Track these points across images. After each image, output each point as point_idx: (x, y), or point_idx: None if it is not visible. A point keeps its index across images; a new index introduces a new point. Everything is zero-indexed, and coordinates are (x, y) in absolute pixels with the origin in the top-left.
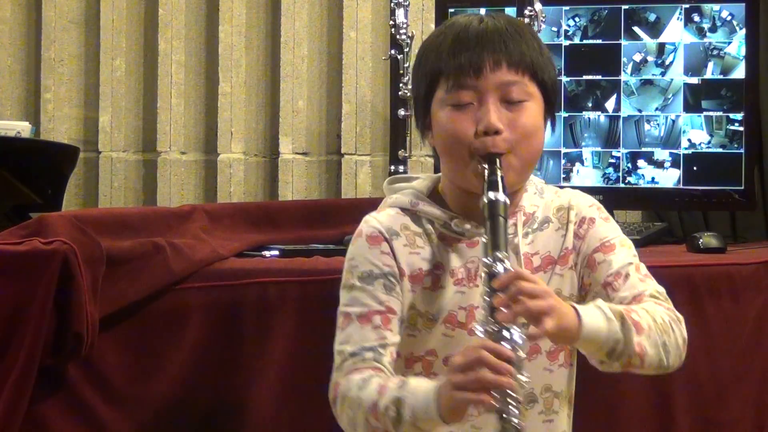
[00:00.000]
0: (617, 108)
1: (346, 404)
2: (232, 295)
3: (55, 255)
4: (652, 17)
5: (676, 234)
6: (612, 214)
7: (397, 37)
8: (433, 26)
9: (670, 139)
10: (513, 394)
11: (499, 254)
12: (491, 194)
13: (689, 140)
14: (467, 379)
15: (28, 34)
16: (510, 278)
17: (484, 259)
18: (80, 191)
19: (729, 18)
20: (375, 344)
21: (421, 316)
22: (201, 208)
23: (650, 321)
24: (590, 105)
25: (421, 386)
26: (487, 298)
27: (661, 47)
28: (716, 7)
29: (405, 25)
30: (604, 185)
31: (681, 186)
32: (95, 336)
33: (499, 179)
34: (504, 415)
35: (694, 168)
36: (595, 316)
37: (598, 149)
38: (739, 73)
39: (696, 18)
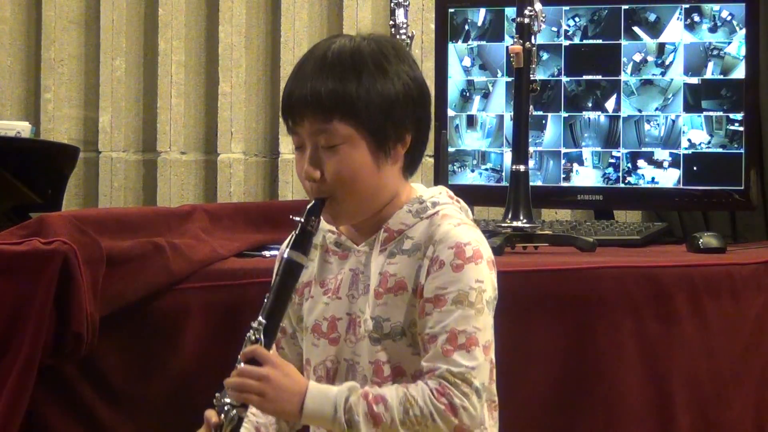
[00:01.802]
0: (617, 108)
1: None
2: (232, 295)
3: (55, 255)
4: (652, 17)
5: (676, 234)
6: (612, 215)
7: (397, 37)
8: (432, 26)
9: (670, 139)
10: None
11: (260, 322)
12: (291, 253)
13: (689, 140)
14: None
15: (28, 34)
16: (249, 353)
17: (252, 323)
18: (80, 191)
19: (729, 18)
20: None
21: (300, 328)
22: (201, 208)
23: (395, 415)
24: (590, 105)
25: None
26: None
27: (661, 47)
28: (716, 7)
29: (405, 25)
30: (604, 185)
31: (681, 186)
32: (95, 336)
33: (306, 235)
34: None
35: (694, 168)
36: (321, 405)
37: (598, 149)
38: (739, 73)
39: (696, 18)
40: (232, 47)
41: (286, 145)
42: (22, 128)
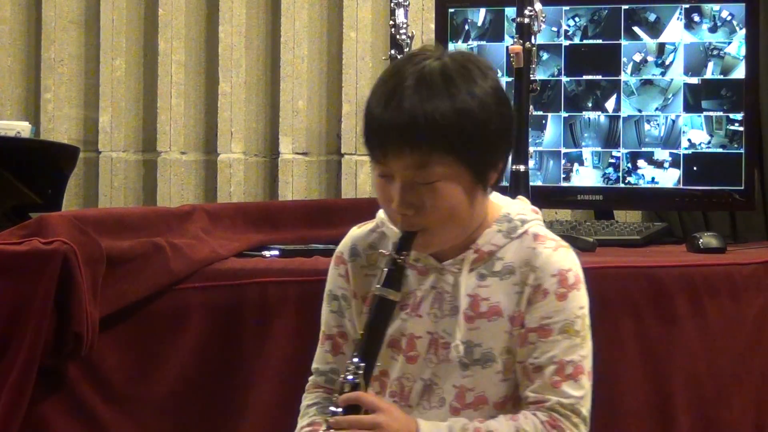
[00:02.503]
0: (617, 108)
1: (300, 416)
2: (232, 295)
3: (55, 255)
4: (652, 17)
5: (676, 234)
6: (612, 215)
7: (397, 37)
8: (432, 26)
9: (670, 139)
10: None
11: (355, 364)
12: (381, 290)
13: (689, 140)
14: None
15: (28, 34)
16: (350, 399)
17: (348, 362)
18: (80, 191)
19: (729, 18)
20: (326, 369)
21: None
22: (201, 208)
23: None
24: (590, 105)
25: None
26: (330, 413)
27: (661, 47)
28: (716, 7)
29: (405, 25)
30: (604, 185)
31: (681, 186)
32: (95, 336)
33: (397, 270)
34: None
35: (694, 168)
36: None
37: (598, 149)
38: (739, 73)
39: (696, 18)
40: (232, 47)
41: (286, 145)
42: (22, 128)
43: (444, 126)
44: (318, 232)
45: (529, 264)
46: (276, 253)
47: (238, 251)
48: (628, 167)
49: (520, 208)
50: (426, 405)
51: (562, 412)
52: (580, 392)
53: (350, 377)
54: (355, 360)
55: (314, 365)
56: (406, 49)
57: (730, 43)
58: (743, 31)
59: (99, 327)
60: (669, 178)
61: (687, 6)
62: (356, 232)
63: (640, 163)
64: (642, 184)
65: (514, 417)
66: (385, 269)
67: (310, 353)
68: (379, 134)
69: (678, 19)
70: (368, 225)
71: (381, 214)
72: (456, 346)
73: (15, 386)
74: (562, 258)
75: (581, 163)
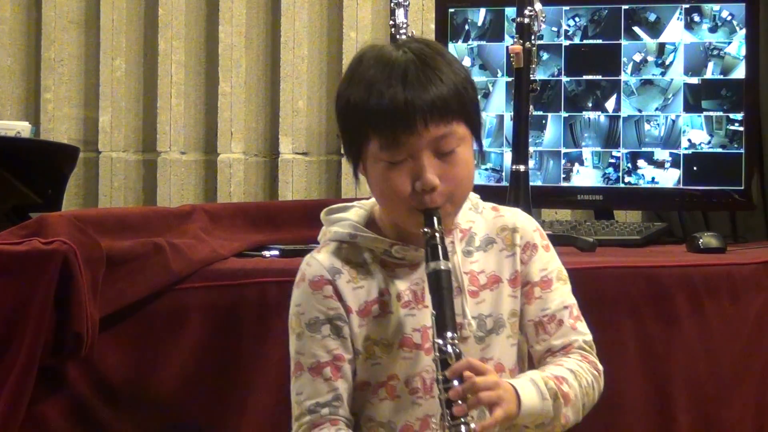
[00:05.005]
0: (617, 108)
1: None
2: (232, 295)
3: (55, 255)
4: (652, 17)
5: (676, 234)
6: (612, 215)
7: (397, 37)
8: (432, 26)
9: (670, 139)
10: None
11: (449, 336)
12: (433, 264)
13: (689, 140)
14: None
15: (28, 34)
16: (462, 367)
17: (437, 340)
18: (80, 191)
19: (729, 18)
20: (329, 398)
21: (377, 345)
22: (201, 208)
23: (576, 389)
24: (590, 105)
25: None
26: (442, 389)
27: (661, 47)
28: (716, 7)
29: (405, 25)
30: (604, 185)
31: (681, 186)
32: (95, 336)
33: (439, 243)
34: None
35: (694, 168)
36: (532, 396)
37: (598, 149)
38: (739, 73)
39: (696, 18)
40: (232, 47)
41: (286, 145)
42: (22, 128)
43: (461, 92)
44: (318, 232)
45: (506, 228)
46: (276, 253)
47: (238, 251)
48: (628, 167)
49: None
50: None
51: (588, 349)
52: (587, 329)
53: (449, 349)
54: (446, 334)
55: (309, 402)
56: None
57: (730, 43)
58: (743, 31)
59: (99, 327)
60: (669, 178)
61: (687, 6)
62: (319, 256)
63: (640, 163)
64: (642, 184)
65: (559, 362)
66: (427, 244)
67: None
68: (403, 108)
69: (678, 19)
70: (327, 247)
71: (333, 230)
72: (468, 324)
73: (15, 386)
74: (527, 217)
75: (581, 163)
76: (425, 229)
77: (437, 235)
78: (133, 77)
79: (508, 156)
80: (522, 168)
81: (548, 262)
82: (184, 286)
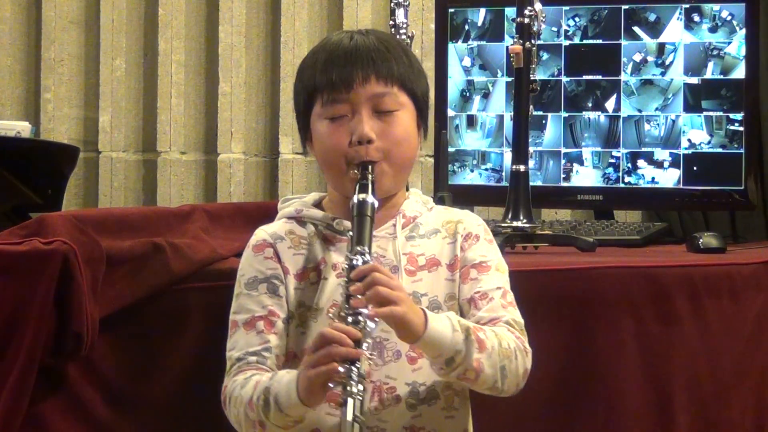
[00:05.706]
0: (617, 108)
1: (232, 403)
2: (232, 295)
3: (55, 255)
4: (652, 17)
5: (676, 234)
6: (612, 215)
7: (397, 37)
8: (432, 26)
9: (670, 139)
10: (359, 366)
11: (359, 248)
12: (360, 196)
13: (689, 140)
14: (318, 356)
15: (28, 34)
16: (367, 269)
17: (347, 254)
18: (80, 191)
19: (729, 18)
20: (258, 348)
21: (309, 311)
22: (201, 208)
23: (495, 343)
24: (590, 105)
25: (286, 374)
26: (344, 287)
27: (661, 47)
28: (716, 7)
29: (405, 25)
30: (604, 185)
31: (681, 186)
32: (95, 336)
33: (370, 184)
34: (347, 387)
35: (694, 168)
36: (442, 324)
37: (598, 149)
38: (739, 73)
39: (696, 18)
40: (232, 47)
41: (286, 145)
42: (22, 128)
43: (403, 59)
44: None
45: (452, 220)
46: None
47: (238, 251)
48: (628, 167)
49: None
50: (380, 361)
51: (515, 327)
52: (521, 317)
53: (359, 260)
54: (357, 248)
55: (237, 352)
56: None
57: (730, 43)
58: (743, 31)
59: (99, 327)
60: (669, 178)
61: (687, 6)
62: (265, 227)
63: (640, 163)
64: (642, 184)
65: (491, 328)
66: (357, 183)
67: None
68: (343, 63)
69: (678, 19)
70: (275, 222)
71: (282, 208)
72: None
73: (15, 386)
74: (475, 216)
75: (581, 163)
76: (356, 171)
77: (369, 181)
78: (133, 77)
79: (508, 156)
80: (522, 168)
81: (489, 252)
82: (184, 286)
